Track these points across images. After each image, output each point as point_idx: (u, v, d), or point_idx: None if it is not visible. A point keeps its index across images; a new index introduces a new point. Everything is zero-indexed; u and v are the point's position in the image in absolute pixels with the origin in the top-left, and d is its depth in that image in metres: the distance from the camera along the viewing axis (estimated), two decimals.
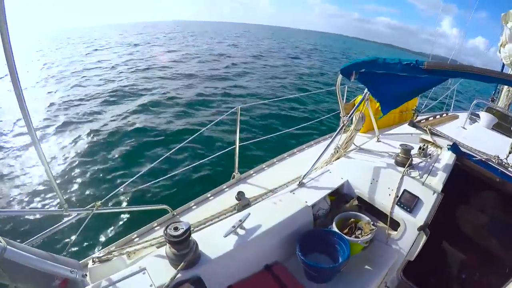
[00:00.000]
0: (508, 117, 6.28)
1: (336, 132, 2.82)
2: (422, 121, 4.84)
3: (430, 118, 5.68)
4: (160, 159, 2.94)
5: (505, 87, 7.89)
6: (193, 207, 2.76)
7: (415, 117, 5.78)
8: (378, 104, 4.78)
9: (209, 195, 2.86)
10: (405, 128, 3.93)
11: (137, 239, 2.44)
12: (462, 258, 3.54)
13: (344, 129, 2.97)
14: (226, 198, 2.82)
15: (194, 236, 1.78)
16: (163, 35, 47.99)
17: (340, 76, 2.53)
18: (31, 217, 4.95)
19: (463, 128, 5.09)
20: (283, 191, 2.49)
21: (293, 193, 2.45)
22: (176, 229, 1.54)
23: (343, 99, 4.17)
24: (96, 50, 28.59)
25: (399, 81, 2.43)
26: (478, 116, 6.12)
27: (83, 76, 16.01)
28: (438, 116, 6.25)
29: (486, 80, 2.00)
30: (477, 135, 4.83)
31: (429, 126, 3.92)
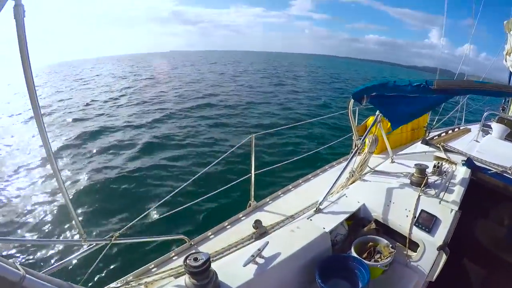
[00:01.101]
0: None
1: (351, 156, 2.83)
2: (434, 138, 4.82)
3: (442, 134, 5.64)
4: (177, 190, 2.96)
5: None
6: (211, 237, 2.77)
7: (427, 134, 5.77)
8: (389, 123, 4.81)
9: (226, 224, 2.88)
10: (418, 146, 3.91)
11: (154, 269, 2.45)
12: (485, 274, 3.46)
13: (358, 152, 2.98)
14: (243, 226, 2.82)
15: (213, 265, 1.78)
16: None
17: (352, 101, 2.57)
18: (50, 247, 5.01)
19: (476, 141, 5.03)
20: (300, 218, 2.49)
21: (311, 220, 2.45)
22: (196, 259, 1.55)
23: (355, 121, 4.21)
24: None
25: (409, 101, 2.46)
26: (490, 127, 6.08)
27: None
28: (450, 131, 6.20)
29: (498, 95, 2.01)
30: (490, 147, 4.76)
31: (442, 143, 3.91)
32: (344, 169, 2.77)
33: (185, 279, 1.66)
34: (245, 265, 1.87)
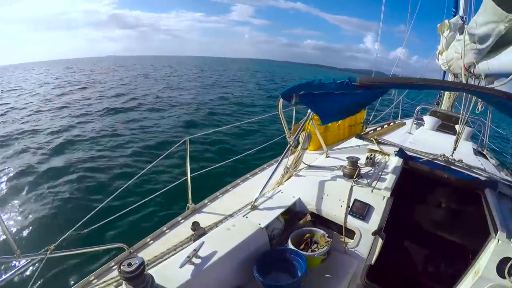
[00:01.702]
0: (452, 117, 6.64)
1: (283, 154, 2.90)
2: (370, 132, 5.07)
3: (378, 129, 5.97)
4: (111, 196, 2.86)
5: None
6: (150, 242, 2.70)
7: (364, 130, 6.07)
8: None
9: (164, 228, 2.82)
10: (353, 141, 4.09)
11: (95, 280, 2.35)
12: (426, 253, 3.68)
13: (292, 149, 3.06)
14: (182, 229, 2.79)
15: (151, 271, 1.76)
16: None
17: (281, 100, 2.63)
18: None
19: (410, 133, 5.33)
20: (236, 216, 2.52)
21: (246, 217, 2.47)
22: (129, 265, 1.52)
23: (292, 120, 4.32)
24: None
25: (339, 99, 2.56)
26: (423, 120, 6.49)
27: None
28: (385, 126, 6.58)
29: (416, 88, 2.15)
30: (423, 138, 5.08)
31: (375, 136, 4.12)
32: (277, 166, 2.84)
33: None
34: (181, 266, 1.85)
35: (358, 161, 3.07)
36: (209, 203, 3.15)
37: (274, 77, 53.41)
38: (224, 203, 3.12)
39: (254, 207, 2.60)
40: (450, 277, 2.78)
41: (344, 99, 2.59)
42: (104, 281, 2.12)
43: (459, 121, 3.67)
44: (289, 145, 2.95)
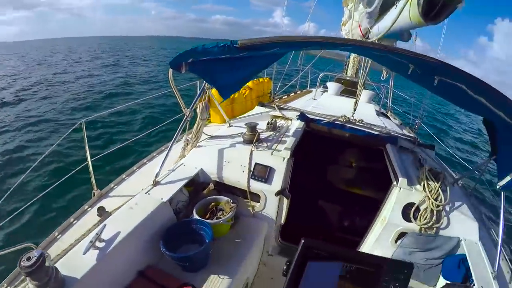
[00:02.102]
0: (356, 83, 7.06)
1: (179, 127, 2.84)
2: (276, 101, 5.22)
3: (284, 97, 6.18)
4: (7, 194, 2.60)
5: (351, 58, 9.05)
6: (58, 236, 2.50)
7: (271, 99, 6.22)
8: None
9: (72, 219, 2.64)
10: (256, 109, 4.17)
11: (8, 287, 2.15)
12: (341, 209, 3.95)
13: (188, 121, 2.98)
14: (89, 218, 2.63)
15: (57, 264, 1.67)
16: None
17: (171, 70, 2.54)
18: None
19: (314, 99, 5.56)
20: (138, 194, 2.45)
21: (149, 194, 2.41)
22: (28, 259, 1.44)
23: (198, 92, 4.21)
24: None
25: (231, 66, 2.53)
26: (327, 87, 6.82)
27: None
28: (292, 94, 6.85)
29: (299, 46, 2.15)
30: (326, 102, 5.35)
31: (277, 103, 4.25)
32: (174, 139, 2.79)
33: (28, 286, 1.54)
34: (85, 253, 1.78)
35: (258, 127, 3.14)
36: (115, 186, 3.00)
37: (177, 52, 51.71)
38: (131, 184, 3.00)
39: (156, 183, 2.54)
40: (364, 228, 2.99)
41: (237, 65, 2.58)
42: (16, 286, 1.94)
43: (359, 85, 3.89)
44: (185, 117, 2.88)
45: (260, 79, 7.04)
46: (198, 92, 2.99)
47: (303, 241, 1.00)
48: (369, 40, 3.37)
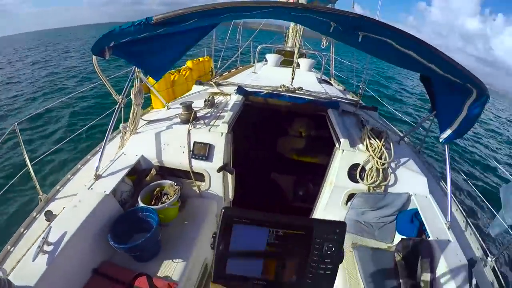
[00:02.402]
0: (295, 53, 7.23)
1: (114, 116, 2.69)
2: (216, 77, 5.12)
3: (225, 74, 6.09)
4: None
5: (290, 29, 9.03)
6: (11, 249, 2.33)
7: (213, 78, 6.12)
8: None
9: (22, 229, 2.45)
10: (194, 88, 4.09)
11: None
12: (294, 178, 4.00)
13: (121, 108, 2.84)
14: (39, 225, 2.47)
15: (10, 276, 1.62)
16: None
17: (94, 58, 2.37)
18: None
19: (254, 72, 5.50)
20: (80, 191, 2.33)
21: (92, 189, 2.31)
22: None
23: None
24: None
25: (156, 46, 2.41)
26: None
27: None
28: (233, 70, 6.75)
29: (221, 14, 2.05)
30: (265, 74, 5.30)
31: (214, 80, 4.16)
32: (110, 129, 2.66)
33: None
34: (34, 259, 1.71)
35: (196, 105, 3.06)
36: (61, 188, 2.82)
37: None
38: (76, 183, 2.84)
39: (98, 177, 2.43)
40: (318, 194, 3.04)
41: (161, 45, 2.46)
42: None
43: (295, 53, 3.86)
44: (118, 104, 2.73)
45: (201, 58, 6.91)
46: (129, 77, 2.83)
47: (223, 210, 0.98)
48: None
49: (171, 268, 2.10)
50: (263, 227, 1.00)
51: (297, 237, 1.02)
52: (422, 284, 2.11)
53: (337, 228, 1.04)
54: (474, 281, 1.99)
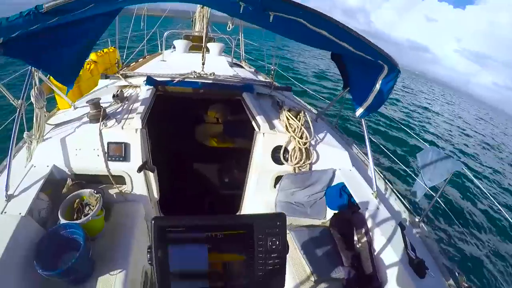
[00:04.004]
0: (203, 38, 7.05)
1: (15, 124, 2.25)
2: (124, 69, 4.78)
3: (132, 64, 5.70)
4: None
5: (197, 12, 8.69)
6: None
7: (119, 70, 5.69)
8: None
9: None
10: (100, 83, 3.78)
11: None
12: (219, 167, 3.94)
13: (22, 113, 2.44)
14: None
15: None
16: None
17: None
18: None
19: (163, 61, 5.27)
20: None
21: (4, 212, 1.97)
22: None
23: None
24: None
25: (54, 41, 2.09)
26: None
27: None
28: (141, 60, 6.36)
29: None
30: (175, 61, 5.15)
31: (121, 72, 3.86)
32: (13, 139, 2.21)
33: None
34: None
35: (103, 101, 2.80)
36: None
37: None
38: None
39: (9, 197, 2.06)
40: (244, 179, 3.02)
41: (60, 40, 2.14)
42: None
43: (203, 37, 3.71)
44: (18, 110, 2.31)
45: (105, 50, 6.47)
46: (26, 78, 2.42)
47: (153, 222, 0.91)
48: None
49: (110, 283, 1.92)
50: (200, 239, 0.96)
51: (238, 238, 1.00)
52: (362, 253, 2.24)
53: (277, 221, 1.03)
54: (408, 242, 2.16)
